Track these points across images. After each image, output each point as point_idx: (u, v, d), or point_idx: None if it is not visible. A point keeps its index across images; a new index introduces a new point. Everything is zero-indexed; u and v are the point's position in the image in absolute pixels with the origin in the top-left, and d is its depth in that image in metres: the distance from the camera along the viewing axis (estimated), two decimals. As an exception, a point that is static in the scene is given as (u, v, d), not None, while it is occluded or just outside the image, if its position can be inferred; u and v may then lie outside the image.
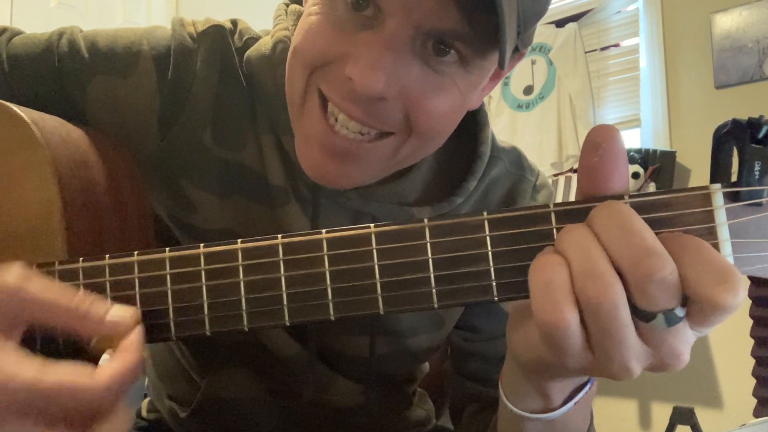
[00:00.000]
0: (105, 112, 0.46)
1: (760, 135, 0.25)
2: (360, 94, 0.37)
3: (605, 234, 0.25)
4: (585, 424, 0.39)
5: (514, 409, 0.35)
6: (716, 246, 0.26)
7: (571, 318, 0.25)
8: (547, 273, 0.26)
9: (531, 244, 0.27)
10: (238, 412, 0.55)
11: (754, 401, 1.63)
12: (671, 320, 0.25)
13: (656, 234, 0.25)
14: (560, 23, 2.28)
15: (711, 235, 0.26)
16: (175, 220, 0.50)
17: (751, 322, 1.63)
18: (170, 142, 0.47)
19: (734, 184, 0.26)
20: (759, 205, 0.26)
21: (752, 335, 1.63)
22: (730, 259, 0.26)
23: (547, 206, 0.27)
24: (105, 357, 0.30)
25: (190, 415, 0.56)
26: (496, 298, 0.27)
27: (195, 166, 0.48)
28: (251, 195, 0.49)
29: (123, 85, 0.46)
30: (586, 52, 2.22)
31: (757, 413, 1.63)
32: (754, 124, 0.25)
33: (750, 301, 1.64)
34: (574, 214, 0.27)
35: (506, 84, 2.35)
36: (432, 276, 0.28)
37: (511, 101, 2.34)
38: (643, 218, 0.26)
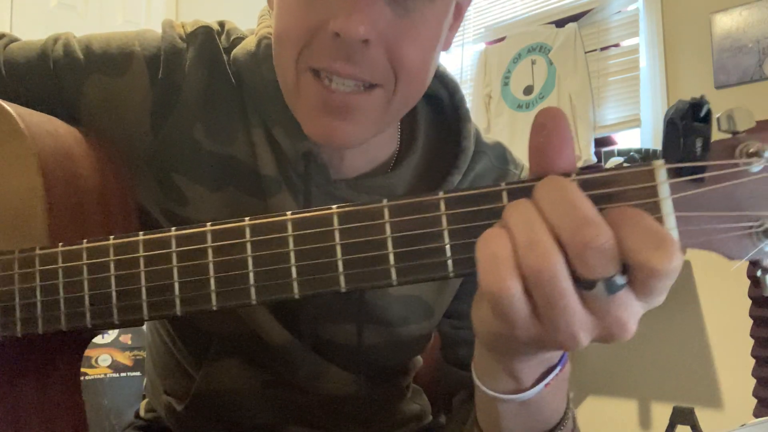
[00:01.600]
0: (100, 110, 0.49)
1: (702, 114, 0.26)
2: (347, 41, 0.40)
3: (546, 207, 0.27)
4: (561, 408, 0.40)
5: (487, 390, 0.36)
6: (660, 220, 0.27)
7: (514, 287, 0.26)
8: (491, 246, 0.27)
9: (484, 221, 0.28)
10: (233, 403, 0.56)
11: (754, 401, 1.63)
12: (611, 288, 0.26)
13: (601, 209, 0.26)
14: (560, 23, 2.28)
15: (655, 209, 0.27)
16: (167, 213, 0.51)
17: (751, 322, 1.63)
18: (163, 137, 0.49)
19: (678, 161, 0.27)
20: (701, 180, 0.27)
21: (752, 335, 1.63)
22: (674, 233, 0.27)
23: (500, 185, 0.29)
24: None
25: (186, 408, 0.57)
26: (451, 274, 0.28)
27: (187, 160, 0.50)
28: (243, 187, 0.50)
29: (117, 84, 0.48)
30: (586, 52, 2.22)
31: (757, 413, 1.63)
32: (696, 104, 0.26)
33: (750, 301, 1.63)
34: (525, 192, 0.28)
35: (506, 84, 2.36)
36: (391, 253, 0.29)
37: (511, 101, 2.34)
38: (590, 194, 0.27)
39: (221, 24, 0.54)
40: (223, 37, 0.52)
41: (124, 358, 1.72)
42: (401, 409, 0.63)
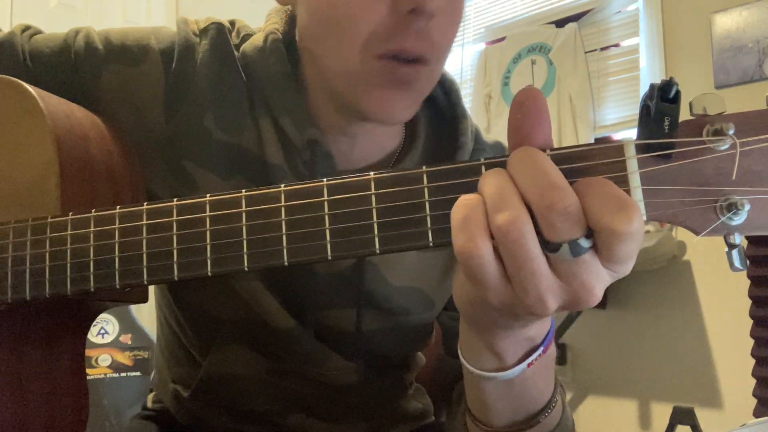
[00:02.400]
0: (116, 98, 0.51)
1: (671, 94, 0.28)
2: (421, 15, 0.43)
3: (517, 173, 0.28)
4: (547, 391, 0.40)
5: (471, 368, 0.37)
6: (628, 192, 0.28)
7: (484, 246, 0.28)
8: (464, 209, 0.28)
9: (463, 193, 0.30)
10: (237, 390, 0.57)
11: (754, 401, 1.63)
12: (576, 250, 0.27)
13: (573, 181, 0.28)
14: (560, 23, 2.30)
15: (623, 182, 0.28)
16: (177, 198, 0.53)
17: (751, 322, 1.63)
18: (175, 125, 0.52)
19: (647, 138, 0.28)
20: (669, 156, 0.28)
21: (752, 335, 1.63)
22: (642, 205, 0.28)
23: (479, 160, 0.30)
24: None
25: (191, 395, 0.59)
26: (431, 244, 0.30)
27: (198, 148, 0.52)
28: (250, 175, 0.52)
29: (133, 74, 0.51)
30: (586, 52, 2.23)
31: (757, 413, 1.63)
32: (665, 85, 0.28)
33: (750, 301, 1.64)
34: (502, 166, 0.30)
35: (506, 84, 2.38)
36: (375, 223, 0.31)
37: (511, 101, 2.35)
38: (563, 168, 0.28)
39: (232, 22, 0.56)
40: (234, 33, 0.55)
41: (124, 358, 1.73)
42: (403, 405, 0.64)
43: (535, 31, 2.32)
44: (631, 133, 2.40)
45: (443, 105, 0.58)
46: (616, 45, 2.21)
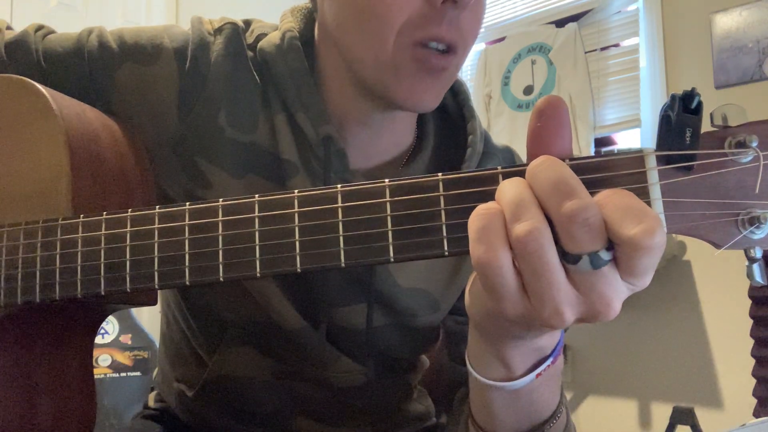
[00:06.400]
0: (131, 96, 0.51)
1: (693, 105, 0.27)
2: (460, 5, 0.45)
3: (537, 183, 0.27)
4: (553, 402, 0.40)
5: (478, 376, 0.37)
6: (648, 204, 0.28)
7: (503, 257, 0.27)
8: (483, 219, 0.28)
9: (480, 202, 0.29)
10: (242, 391, 0.57)
11: (754, 401, 1.63)
12: (596, 263, 0.26)
13: (593, 192, 0.27)
14: (560, 23, 2.29)
15: (644, 194, 0.28)
16: (190, 195, 0.53)
17: (751, 322, 1.63)
18: (188, 123, 0.52)
19: (668, 150, 0.28)
20: (690, 168, 0.27)
21: (752, 335, 1.63)
22: (662, 218, 0.28)
23: (496, 168, 0.30)
24: None
25: (196, 394, 0.59)
26: (446, 253, 0.29)
27: (211, 145, 0.52)
28: (263, 172, 0.52)
29: (147, 72, 0.51)
30: (586, 52, 2.23)
31: (757, 413, 1.63)
32: (687, 96, 0.27)
33: (750, 301, 1.64)
34: (520, 175, 0.29)
35: (506, 84, 2.37)
36: (390, 231, 0.30)
37: (511, 101, 2.35)
38: (582, 179, 0.27)
39: (246, 22, 0.56)
40: (248, 34, 0.55)
41: (124, 358, 1.73)
42: (407, 408, 0.63)
43: (535, 31, 2.32)
44: (631, 133, 2.39)
45: (451, 105, 0.59)
46: (616, 45, 2.21)
